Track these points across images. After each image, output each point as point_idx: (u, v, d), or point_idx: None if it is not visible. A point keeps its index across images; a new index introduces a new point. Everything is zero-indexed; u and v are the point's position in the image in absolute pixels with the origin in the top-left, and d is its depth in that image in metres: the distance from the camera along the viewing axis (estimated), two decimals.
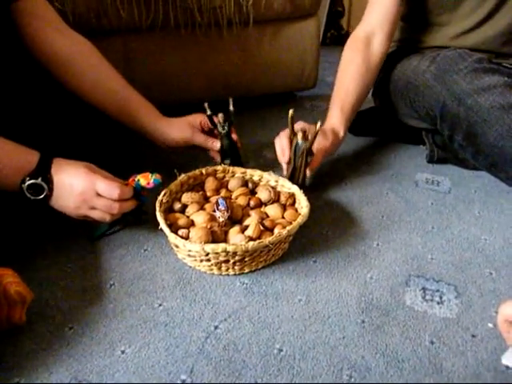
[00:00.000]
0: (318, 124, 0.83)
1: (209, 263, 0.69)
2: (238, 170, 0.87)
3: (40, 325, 0.60)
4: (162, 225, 0.69)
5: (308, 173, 0.87)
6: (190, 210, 0.77)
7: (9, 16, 0.76)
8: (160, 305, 0.65)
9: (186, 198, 0.79)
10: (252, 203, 0.80)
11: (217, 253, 0.66)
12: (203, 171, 0.85)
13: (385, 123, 1.20)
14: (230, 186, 0.85)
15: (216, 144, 0.90)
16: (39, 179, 0.65)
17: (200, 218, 0.74)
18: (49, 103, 0.84)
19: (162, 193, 0.77)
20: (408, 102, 1.05)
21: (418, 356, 0.58)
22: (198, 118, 0.90)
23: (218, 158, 0.91)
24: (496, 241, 0.80)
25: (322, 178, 0.99)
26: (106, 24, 1.08)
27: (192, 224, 0.74)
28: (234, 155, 0.90)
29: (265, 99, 1.40)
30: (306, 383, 0.54)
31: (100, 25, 1.07)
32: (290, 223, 0.73)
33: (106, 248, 0.76)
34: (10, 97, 0.77)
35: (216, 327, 0.61)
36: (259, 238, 0.70)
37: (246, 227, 0.73)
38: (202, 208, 0.78)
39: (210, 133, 0.91)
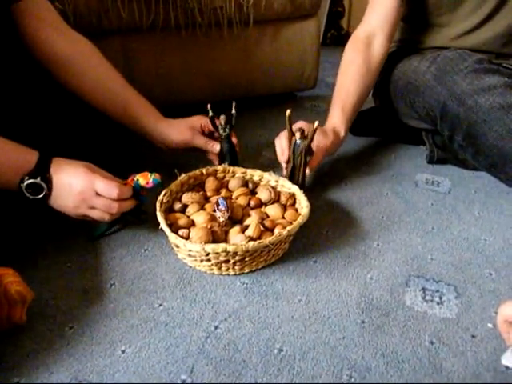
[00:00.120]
0: (316, 122, 0.83)
1: (209, 263, 0.69)
2: (239, 170, 0.87)
3: (40, 324, 0.60)
4: (163, 225, 0.69)
5: (307, 172, 0.87)
6: (190, 210, 0.77)
7: (9, 17, 0.76)
8: (160, 305, 0.65)
9: (187, 197, 0.79)
10: (252, 203, 0.80)
11: (217, 253, 0.66)
12: (203, 171, 0.85)
13: (385, 123, 1.20)
14: (230, 186, 0.85)
15: (216, 147, 0.90)
16: (38, 179, 0.65)
17: (200, 218, 0.74)
18: (49, 103, 0.84)
19: (163, 193, 0.77)
20: (408, 102, 1.05)
21: (417, 356, 0.58)
22: (199, 121, 0.90)
23: (216, 161, 0.91)
24: (496, 241, 0.80)
25: (322, 178, 0.99)
26: (106, 24, 1.07)
27: (192, 224, 0.74)
28: (232, 158, 0.90)
29: (265, 99, 1.40)
30: (306, 383, 0.54)
31: (100, 25, 1.07)
32: (291, 223, 0.74)
33: (107, 248, 0.76)
34: (10, 96, 0.77)
35: (216, 327, 0.61)
36: (259, 238, 0.70)
37: (247, 227, 0.73)
38: (202, 208, 0.78)
39: (210, 135, 0.91)
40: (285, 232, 0.69)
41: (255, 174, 0.87)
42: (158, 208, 0.73)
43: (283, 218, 0.78)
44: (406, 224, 0.85)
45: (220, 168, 0.87)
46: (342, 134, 0.94)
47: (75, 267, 0.71)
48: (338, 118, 0.94)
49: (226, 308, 0.64)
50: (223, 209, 0.72)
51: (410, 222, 0.85)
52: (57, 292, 0.66)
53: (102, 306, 0.64)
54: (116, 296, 0.66)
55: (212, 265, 0.69)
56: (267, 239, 0.67)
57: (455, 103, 0.89)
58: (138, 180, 0.72)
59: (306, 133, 0.85)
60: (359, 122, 1.14)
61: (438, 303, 0.66)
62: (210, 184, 0.84)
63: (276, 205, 0.80)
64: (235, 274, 0.71)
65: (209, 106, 0.88)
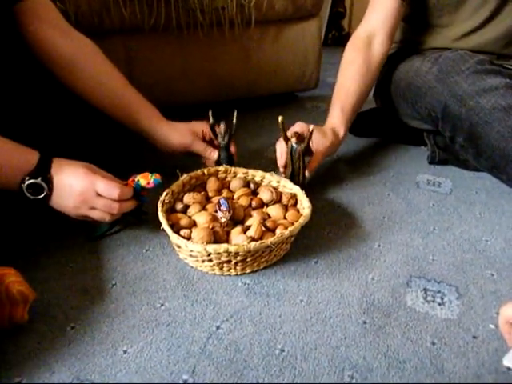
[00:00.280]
0: (311, 126, 0.84)
1: (211, 263, 0.69)
2: (240, 171, 0.87)
3: (42, 324, 0.60)
4: (164, 225, 0.69)
5: (307, 174, 0.87)
6: (191, 211, 0.77)
7: (12, 17, 0.76)
8: (162, 305, 0.65)
9: (188, 198, 0.79)
10: (254, 204, 0.80)
11: (219, 253, 0.66)
12: (205, 171, 0.86)
13: (386, 124, 1.20)
14: (231, 187, 0.85)
15: (214, 154, 0.89)
16: (39, 179, 0.65)
17: (202, 219, 0.74)
18: (50, 103, 0.84)
19: (164, 193, 0.77)
20: (409, 103, 1.05)
21: (419, 357, 0.58)
22: (201, 126, 0.90)
23: None
24: (497, 242, 0.80)
25: (323, 178, 0.99)
26: (108, 24, 1.08)
27: (194, 224, 0.74)
28: None
29: (266, 100, 1.40)
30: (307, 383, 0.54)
31: (102, 25, 1.07)
32: (292, 224, 0.74)
33: (108, 248, 0.76)
34: (11, 96, 0.77)
35: (218, 327, 0.61)
36: (261, 238, 0.70)
37: (248, 228, 0.73)
38: (203, 208, 0.78)
39: (210, 142, 0.91)
40: (286, 232, 0.69)
41: (257, 175, 0.87)
42: (159, 208, 0.73)
43: (285, 218, 0.78)
44: (407, 225, 0.85)
45: (222, 168, 0.87)
46: (342, 134, 0.94)
47: (77, 267, 0.71)
48: (337, 118, 0.94)
49: (228, 308, 0.64)
50: (225, 209, 0.72)
51: (412, 223, 0.85)
52: (58, 292, 0.66)
53: (104, 305, 0.64)
54: (117, 296, 0.66)
55: (213, 265, 0.69)
56: (269, 240, 0.67)
57: (457, 104, 0.89)
58: (138, 180, 0.72)
59: (304, 134, 0.85)
60: (360, 123, 1.14)
61: (439, 304, 0.66)
62: (212, 184, 0.84)
63: (277, 205, 0.80)
64: (237, 275, 0.71)
65: (210, 112, 0.88)
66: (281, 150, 0.88)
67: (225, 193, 0.83)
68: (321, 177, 0.99)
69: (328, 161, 1.04)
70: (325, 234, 0.82)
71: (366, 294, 0.68)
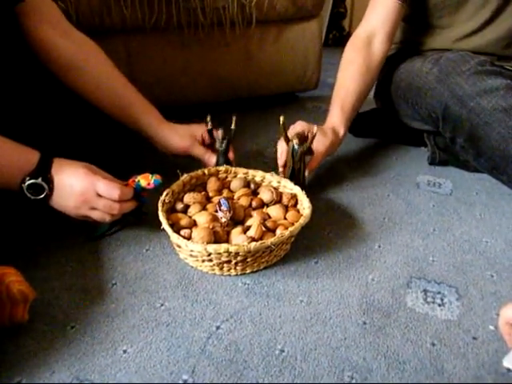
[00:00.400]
0: (315, 128, 0.84)
1: (211, 263, 0.69)
2: (240, 171, 0.87)
3: (42, 324, 0.60)
4: (165, 225, 0.69)
5: (307, 173, 0.88)
6: (192, 210, 0.77)
7: (13, 16, 0.76)
8: (162, 305, 0.65)
9: (189, 198, 0.79)
10: (254, 204, 0.80)
11: (219, 253, 0.66)
12: (205, 171, 0.85)
13: (386, 125, 1.20)
14: (232, 187, 0.85)
15: (211, 160, 0.89)
16: (39, 179, 0.65)
17: (202, 219, 0.74)
18: (50, 103, 0.84)
19: (165, 193, 0.77)
20: (410, 103, 1.05)
21: (419, 358, 0.58)
22: (201, 130, 0.89)
23: None
24: (497, 243, 0.80)
25: (323, 179, 0.99)
26: (108, 23, 1.08)
27: (194, 224, 0.74)
28: None
29: (267, 100, 1.40)
30: None
31: (103, 24, 1.07)
32: (292, 224, 0.73)
33: (108, 248, 0.76)
34: (12, 96, 0.77)
35: (218, 327, 0.61)
36: (261, 238, 0.70)
37: (248, 228, 0.73)
38: (204, 208, 0.78)
39: (210, 145, 0.90)
40: (287, 233, 0.69)
41: (257, 175, 0.87)
42: (159, 208, 0.73)
43: (285, 218, 0.78)
44: (407, 225, 0.85)
45: (222, 168, 0.87)
46: (342, 133, 0.94)
47: (77, 267, 0.71)
48: (337, 118, 0.94)
49: (228, 308, 0.64)
50: (225, 209, 0.72)
51: (412, 224, 0.85)
52: (58, 291, 0.66)
53: (104, 305, 0.64)
54: (117, 296, 0.66)
55: (214, 265, 0.69)
56: (269, 240, 0.67)
57: (457, 105, 0.89)
58: (139, 181, 0.72)
59: (305, 133, 0.85)
60: (360, 123, 1.14)
61: (439, 305, 0.66)
62: (212, 184, 0.84)
63: (278, 205, 0.80)
64: (237, 275, 0.71)
65: (208, 117, 0.88)
66: (281, 150, 0.88)
67: (225, 193, 0.83)
68: (321, 177, 0.99)
69: (328, 161, 1.04)
70: (325, 234, 0.82)
71: (366, 295, 0.68)
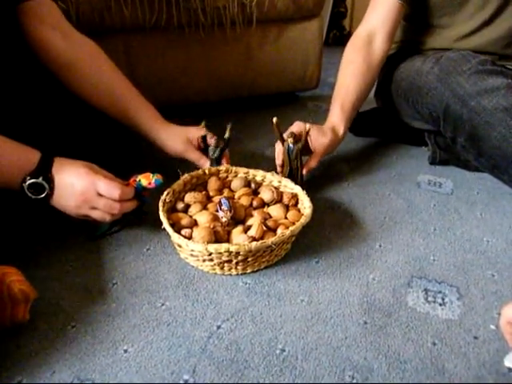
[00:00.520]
0: (308, 125, 0.85)
1: (211, 263, 0.69)
2: (241, 171, 0.87)
3: (43, 323, 0.60)
4: (165, 224, 0.69)
5: (304, 172, 0.88)
6: (192, 210, 0.77)
7: (14, 17, 0.76)
8: (163, 304, 0.65)
9: (189, 197, 0.79)
10: (255, 203, 0.80)
11: (220, 253, 0.66)
12: (206, 171, 0.85)
13: (387, 124, 1.20)
14: (232, 186, 0.85)
15: (206, 165, 0.88)
16: (40, 178, 0.65)
17: (203, 218, 0.74)
18: (51, 103, 0.84)
19: (165, 192, 0.77)
20: (411, 103, 1.05)
21: (420, 357, 0.58)
22: (197, 133, 0.88)
23: None
24: (498, 243, 0.80)
25: (324, 178, 0.99)
26: (108, 23, 1.08)
27: (195, 224, 0.74)
28: None
29: (267, 99, 1.40)
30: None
31: (103, 24, 1.07)
32: (293, 224, 0.73)
33: (109, 247, 0.76)
34: (13, 96, 0.77)
35: (218, 327, 0.61)
36: (262, 238, 0.70)
37: (249, 227, 0.73)
38: (204, 208, 0.78)
39: (205, 151, 0.89)
40: (287, 232, 0.69)
41: (258, 174, 0.87)
42: (160, 208, 0.73)
43: (286, 218, 0.78)
44: (408, 225, 0.85)
45: (223, 168, 0.87)
46: (341, 132, 0.94)
47: (77, 266, 0.71)
48: (337, 117, 0.94)
49: (229, 308, 0.64)
50: (226, 209, 0.72)
51: (412, 223, 0.85)
52: (59, 291, 0.66)
53: (105, 305, 0.64)
54: (118, 295, 0.66)
55: (214, 265, 0.69)
56: (270, 239, 0.67)
57: (458, 104, 0.89)
58: (139, 181, 0.72)
59: (302, 132, 0.85)
60: (361, 123, 1.14)
61: (440, 304, 0.66)
62: (213, 184, 0.84)
63: (278, 205, 0.80)
64: (237, 274, 0.71)
65: (203, 123, 0.87)
66: (278, 150, 0.89)
67: (226, 192, 0.83)
68: (322, 177, 0.99)
69: (329, 161, 1.04)
70: (326, 233, 0.81)
71: (367, 294, 0.68)
